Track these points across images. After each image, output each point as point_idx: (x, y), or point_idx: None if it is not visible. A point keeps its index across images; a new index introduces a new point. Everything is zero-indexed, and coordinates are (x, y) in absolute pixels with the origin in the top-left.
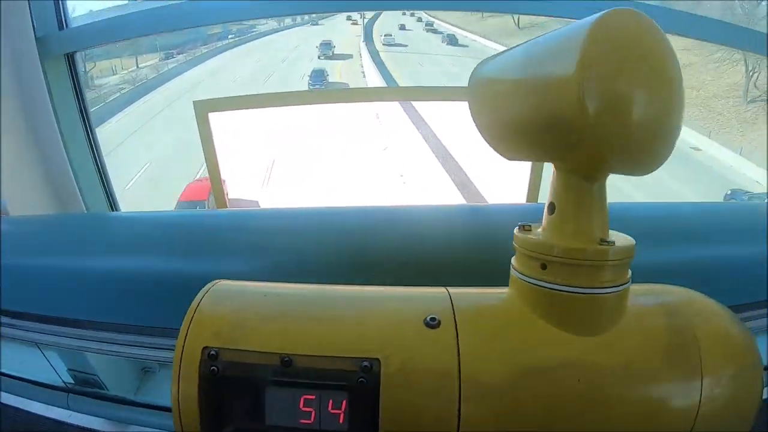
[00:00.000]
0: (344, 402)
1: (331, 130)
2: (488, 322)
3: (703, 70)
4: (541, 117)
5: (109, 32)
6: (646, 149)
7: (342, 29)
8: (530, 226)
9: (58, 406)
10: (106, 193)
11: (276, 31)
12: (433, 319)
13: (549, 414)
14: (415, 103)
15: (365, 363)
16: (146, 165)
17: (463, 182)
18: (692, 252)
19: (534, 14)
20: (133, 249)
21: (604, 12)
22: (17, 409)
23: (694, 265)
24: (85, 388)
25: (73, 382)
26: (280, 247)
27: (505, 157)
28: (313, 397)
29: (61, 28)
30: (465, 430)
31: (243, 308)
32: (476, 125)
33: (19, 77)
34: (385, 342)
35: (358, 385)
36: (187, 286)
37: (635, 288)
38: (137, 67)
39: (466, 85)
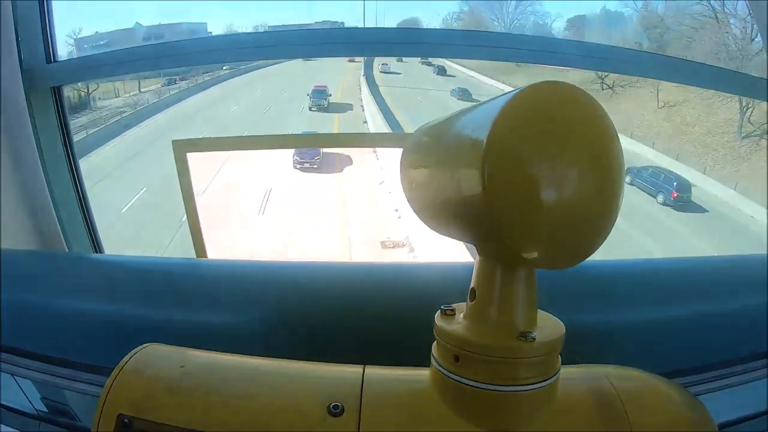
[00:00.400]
0: None
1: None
2: (397, 413)
3: (697, 106)
4: (452, 201)
5: (97, 68)
6: (565, 241)
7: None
8: (454, 309)
9: None
10: (90, 232)
11: (280, 61)
12: (336, 406)
13: None
14: None
15: None
16: (143, 189)
17: None
18: (674, 309)
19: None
20: (107, 293)
21: (523, 87)
22: None
23: (675, 322)
24: (57, 418)
25: (46, 410)
26: (252, 302)
27: (436, 231)
28: None
29: (48, 61)
30: None
31: (159, 379)
32: (406, 197)
33: (2, 109)
34: (286, 426)
35: None
36: (157, 333)
37: (566, 371)
38: (139, 91)
39: None
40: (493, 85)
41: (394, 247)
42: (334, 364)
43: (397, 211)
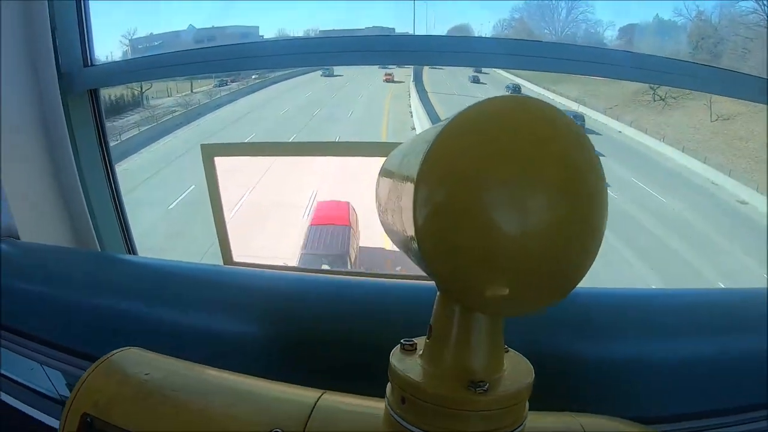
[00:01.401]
0: None
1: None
2: None
3: (751, 120)
4: (395, 234)
5: (133, 72)
6: (526, 283)
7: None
8: (414, 345)
9: (56, 417)
10: (123, 232)
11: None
12: None
13: None
14: None
15: None
16: (191, 187)
17: None
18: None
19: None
20: (128, 292)
21: (470, 106)
22: (20, 413)
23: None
24: None
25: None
26: (259, 311)
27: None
28: None
29: (86, 65)
30: None
31: (125, 383)
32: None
33: (41, 111)
34: None
35: None
36: (176, 338)
37: (533, 419)
38: (191, 91)
39: None
40: (542, 93)
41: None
42: (295, 386)
43: None
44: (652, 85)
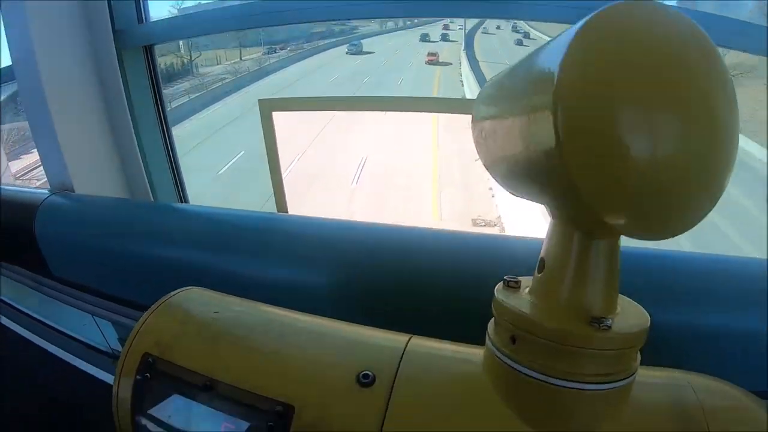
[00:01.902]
0: None
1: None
2: (435, 390)
3: None
4: (521, 157)
5: (186, 28)
6: (661, 204)
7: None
8: (519, 282)
9: (104, 370)
10: (176, 184)
11: (378, 33)
12: (366, 375)
13: None
14: None
15: (278, 407)
16: (241, 152)
17: None
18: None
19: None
20: (188, 241)
21: (595, 12)
22: (67, 365)
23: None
24: None
25: (119, 350)
26: (324, 259)
27: (512, 194)
28: (234, 427)
29: (140, 22)
30: None
31: (189, 322)
32: (478, 154)
33: (97, 67)
34: (306, 389)
35: (267, 429)
36: (230, 283)
37: (640, 372)
38: (240, 59)
39: None
40: None
41: (485, 225)
42: (379, 329)
43: (491, 189)
44: None
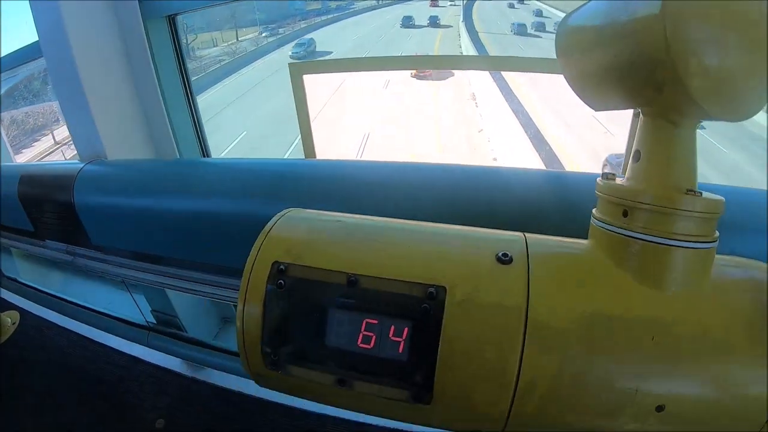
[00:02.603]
0: (406, 330)
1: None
2: (562, 265)
3: None
4: (627, 60)
5: None
6: (736, 90)
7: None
8: (614, 175)
9: (139, 343)
10: (199, 140)
11: (374, 8)
12: (505, 255)
13: (614, 368)
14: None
15: (431, 289)
16: (243, 134)
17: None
18: None
19: None
20: (220, 192)
21: None
22: (98, 343)
23: None
24: (165, 329)
25: (155, 321)
26: (358, 197)
27: (595, 108)
28: (376, 321)
29: None
30: (526, 371)
31: (315, 230)
32: (566, 77)
33: (124, 37)
34: (454, 271)
35: (421, 311)
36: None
37: (721, 257)
38: (237, 40)
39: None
40: None
41: None
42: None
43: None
44: None
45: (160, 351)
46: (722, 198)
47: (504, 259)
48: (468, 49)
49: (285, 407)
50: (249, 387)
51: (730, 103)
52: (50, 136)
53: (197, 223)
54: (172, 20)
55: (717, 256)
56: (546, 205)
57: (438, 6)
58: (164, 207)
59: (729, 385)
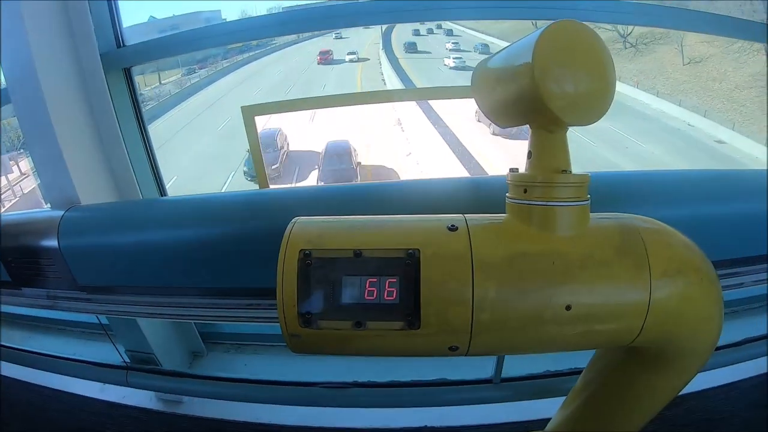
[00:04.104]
0: (396, 281)
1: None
2: (490, 227)
3: (723, 61)
4: (516, 92)
5: (162, 48)
6: (585, 110)
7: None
8: (517, 168)
9: (117, 384)
10: (157, 182)
11: (295, 42)
12: (453, 225)
13: (532, 284)
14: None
15: (410, 251)
16: (174, 178)
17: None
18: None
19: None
20: (181, 224)
21: (552, 23)
22: (69, 394)
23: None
24: (143, 365)
25: (130, 361)
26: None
27: (501, 126)
28: (376, 279)
29: (119, 46)
30: (477, 293)
31: (326, 225)
32: (478, 105)
33: (86, 89)
34: (422, 239)
35: (405, 266)
36: (225, 249)
37: (603, 213)
38: (160, 83)
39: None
40: None
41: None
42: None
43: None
44: (622, 32)
45: (140, 388)
46: (587, 174)
47: (452, 228)
48: (390, 75)
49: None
50: (229, 412)
51: (582, 116)
52: None
53: (177, 252)
54: (128, 71)
55: (599, 213)
56: (473, 202)
57: (342, 38)
58: (147, 240)
59: (610, 289)
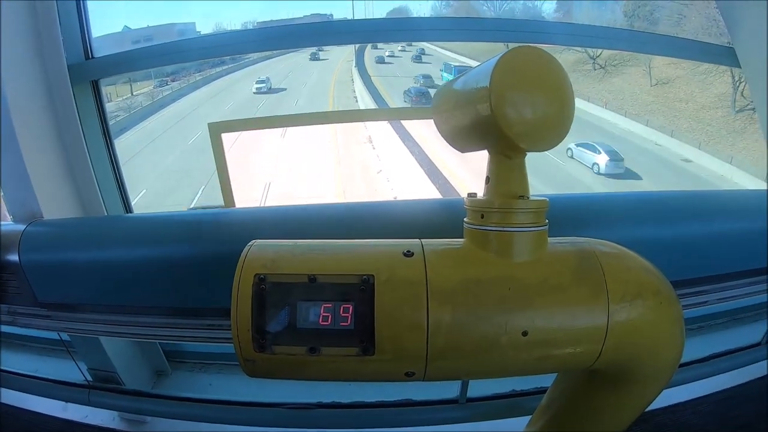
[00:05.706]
0: (351, 307)
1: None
2: (446, 252)
3: (690, 82)
4: (474, 120)
5: (130, 62)
6: (543, 136)
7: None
8: (475, 193)
9: (80, 403)
10: (123, 198)
11: (268, 58)
12: (409, 251)
13: (488, 310)
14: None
15: (364, 277)
16: (143, 191)
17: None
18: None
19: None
20: (144, 242)
21: (510, 49)
22: (30, 412)
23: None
24: (105, 384)
25: (92, 379)
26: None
27: (460, 150)
28: (330, 305)
29: (87, 58)
30: (432, 319)
31: (281, 249)
32: (438, 129)
33: (53, 101)
34: (377, 264)
35: (360, 293)
36: (189, 269)
37: (561, 237)
38: (131, 94)
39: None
40: None
41: None
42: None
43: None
44: (592, 55)
45: (102, 408)
46: (546, 198)
47: (408, 254)
48: (361, 91)
49: None
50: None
51: (539, 142)
52: None
53: (140, 271)
54: (95, 84)
55: (558, 237)
56: (436, 224)
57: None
58: (110, 258)
59: (567, 314)
